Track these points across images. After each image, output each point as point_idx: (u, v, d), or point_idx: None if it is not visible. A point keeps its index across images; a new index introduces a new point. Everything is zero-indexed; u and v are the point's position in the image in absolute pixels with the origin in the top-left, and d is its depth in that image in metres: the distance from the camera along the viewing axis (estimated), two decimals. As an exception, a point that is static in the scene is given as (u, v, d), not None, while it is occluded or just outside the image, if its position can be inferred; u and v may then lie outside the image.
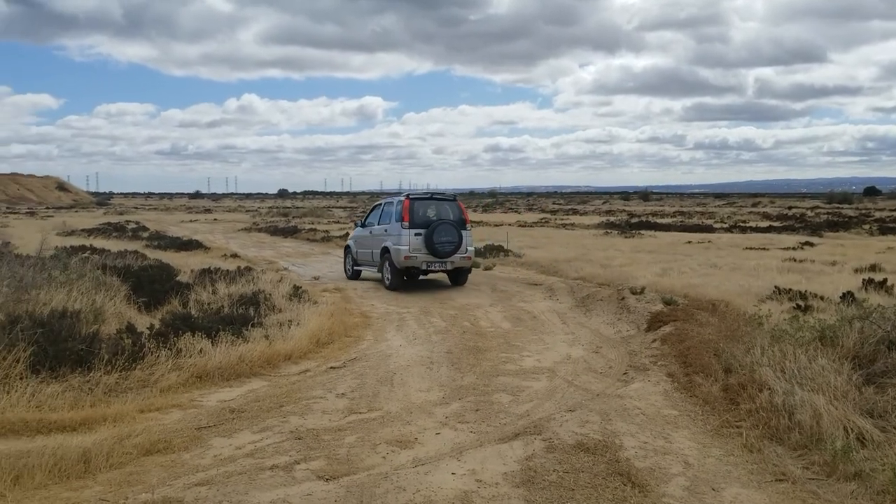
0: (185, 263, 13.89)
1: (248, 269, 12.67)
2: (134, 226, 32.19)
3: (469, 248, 13.69)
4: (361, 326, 9.53)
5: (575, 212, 56.23)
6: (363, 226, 15.39)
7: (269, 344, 7.57)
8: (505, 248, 19.23)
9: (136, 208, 68.10)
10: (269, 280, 11.27)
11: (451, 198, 14.35)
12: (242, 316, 8.49)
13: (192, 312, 8.57)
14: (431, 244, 13.21)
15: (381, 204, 15.15)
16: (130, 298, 9.20)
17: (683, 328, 8.34)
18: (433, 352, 8.10)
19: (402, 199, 13.82)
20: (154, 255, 15.57)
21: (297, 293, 10.41)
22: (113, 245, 18.01)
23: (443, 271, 13.69)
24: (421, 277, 14.16)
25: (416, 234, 13.31)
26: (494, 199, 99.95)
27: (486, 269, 16.38)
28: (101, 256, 12.18)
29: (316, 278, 14.70)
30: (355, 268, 15.42)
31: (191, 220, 45.75)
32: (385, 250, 13.73)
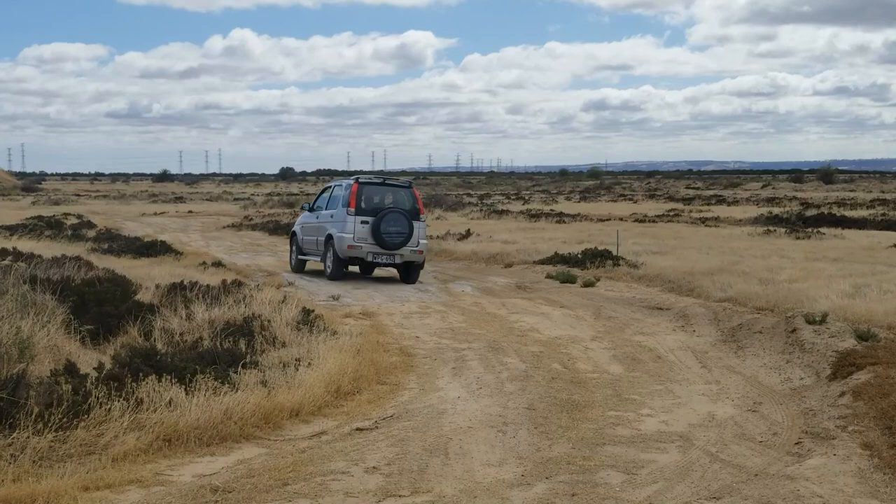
0: (148, 275, 14.19)
1: (238, 283, 12.89)
2: (75, 221, 33.04)
3: (421, 241, 17.63)
4: (401, 369, 9.58)
5: (720, 200, 55.51)
6: (311, 210, 19.58)
7: (267, 393, 7.66)
8: (614, 253, 19.11)
9: (79, 196, 69.91)
10: (267, 300, 11.43)
11: (406, 185, 18.55)
12: (229, 352, 8.62)
13: (159, 346, 8.73)
14: (378, 234, 17.21)
15: (331, 186, 19.46)
16: (70, 325, 9.42)
17: (887, 376, 8.18)
18: (507, 407, 8.08)
19: (351, 182, 18.00)
20: (104, 262, 15.95)
21: (307, 319, 10.54)
22: (45, 248, 18.51)
23: (391, 265, 17.88)
24: (374, 272, 18.96)
25: (362, 222, 17.35)
26: (598, 181, 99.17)
27: (587, 284, 16.32)
28: (28, 265, 12.52)
29: (335, 297, 14.88)
30: (300, 257, 19.60)
31: (156, 213, 46.78)
32: (329, 237, 17.83)
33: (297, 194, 65.95)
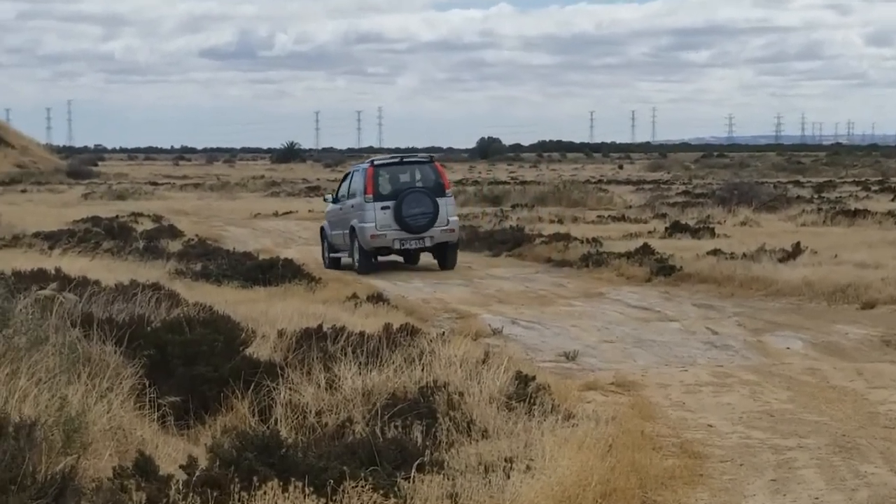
0: (266, 315, 14.56)
1: (411, 330, 13.06)
2: (150, 225, 34.50)
3: (451, 219, 26.49)
4: (683, 479, 9.45)
5: None
6: (335, 200, 29.00)
7: (459, 516, 7.72)
8: None
9: (156, 185, 73.02)
10: (458, 359, 11.53)
11: (427, 160, 28.57)
12: (397, 444, 8.71)
13: (283, 432, 8.92)
14: (401, 218, 25.75)
15: (350, 172, 28.85)
16: (144, 395, 9.74)
17: None
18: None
19: (366, 166, 27.07)
20: (196, 293, 16.49)
21: (524, 393, 10.59)
22: (104, 270, 19.23)
23: (422, 249, 27.00)
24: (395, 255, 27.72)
25: (382, 208, 25.89)
26: None
27: None
28: (80, 296, 13.04)
29: (570, 356, 14.89)
30: (331, 255, 28.81)
31: (277, 213, 48.17)
32: (352, 230, 26.46)
33: (506, 182, 66.15)
